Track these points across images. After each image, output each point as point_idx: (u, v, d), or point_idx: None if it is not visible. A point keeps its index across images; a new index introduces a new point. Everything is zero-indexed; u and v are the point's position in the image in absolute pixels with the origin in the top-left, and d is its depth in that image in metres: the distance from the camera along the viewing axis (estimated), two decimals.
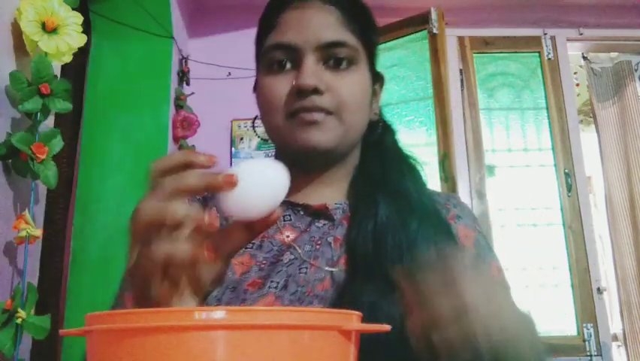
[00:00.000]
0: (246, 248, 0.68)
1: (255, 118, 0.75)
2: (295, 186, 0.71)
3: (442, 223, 0.69)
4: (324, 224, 0.70)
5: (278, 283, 0.64)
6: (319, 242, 0.68)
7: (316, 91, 0.65)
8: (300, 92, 0.66)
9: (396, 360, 0.49)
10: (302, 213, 0.71)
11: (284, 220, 0.71)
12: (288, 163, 0.71)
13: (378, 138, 0.76)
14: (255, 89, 0.76)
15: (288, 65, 0.68)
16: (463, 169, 2.57)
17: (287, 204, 0.72)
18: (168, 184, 0.43)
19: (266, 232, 0.68)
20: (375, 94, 0.76)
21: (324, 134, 0.66)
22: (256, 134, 0.77)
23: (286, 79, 0.68)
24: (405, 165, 0.75)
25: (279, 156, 0.75)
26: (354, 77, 0.69)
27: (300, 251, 0.67)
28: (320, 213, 0.70)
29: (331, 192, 0.73)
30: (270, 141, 0.74)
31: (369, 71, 0.73)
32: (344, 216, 0.70)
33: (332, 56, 0.68)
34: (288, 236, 0.69)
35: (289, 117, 0.67)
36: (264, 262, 0.66)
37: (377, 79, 0.77)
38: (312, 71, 0.66)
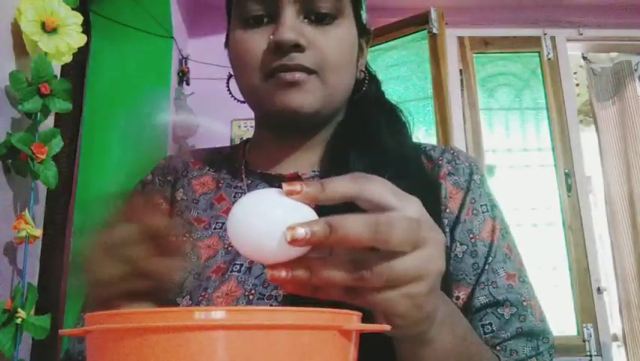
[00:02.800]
0: (214, 229, 0.63)
1: (230, 77, 0.67)
2: (271, 154, 0.67)
3: (423, 177, 0.62)
4: None
5: (241, 265, 0.58)
6: None
7: (297, 47, 0.58)
8: (278, 49, 0.58)
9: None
10: (276, 185, 0.66)
11: None
12: (265, 127, 0.67)
13: (363, 94, 0.69)
14: (227, 44, 0.67)
15: (265, 19, 0.60)
16: None
17: (260, 175, 0.67)
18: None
19: None
20: (361, 49, 0.68)
21: (305, 97, 0.59)
22: (231, 95, 0.68)
23: (263, 33, 0.60)
24: (384, 116, 0.67)
25: (256, 121, 0.69)
26: (339, 31, 0.61)
27: None
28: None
29: (310, 159, 0.66)
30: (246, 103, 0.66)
31: (355, 24, 0.65)
32: None
33: (314, 10, 0.60)
34: None
35: (267, 77, 0.60)
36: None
37: (363, 32, 0.68)
38: (292, 25, 0.58)
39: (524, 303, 0.59)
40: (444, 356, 0.43)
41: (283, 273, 0.34)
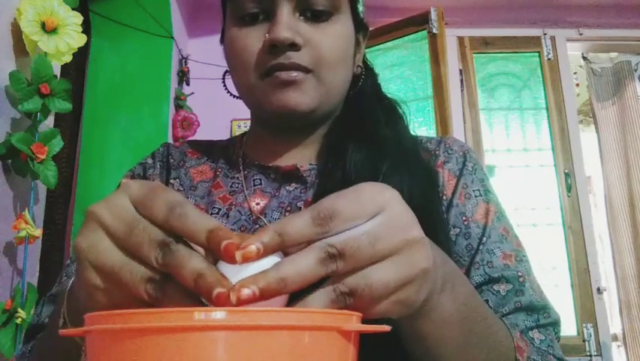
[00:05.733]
0: (211, 214, 0.61)
1: (226, 73, 0.67)
2: (269, 148, 0.67)
3: (421, 167, 0.62)
4: (295, 187, 0.64)
5: None
6: (288, 208, 0.62)
7: (293, 46, 0.58)
8: (274, 48, 0.58)
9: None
10: (272, 176, 0.65)
11: (254, 185, 0.65)
12: (262, 124, 0.67)
13: (360, 87, 0.69)
14: (222, 39, 0.67)
15: (261, 16, 0.60)
16: None
17: (257, 167, 0.66)
18: (156, 252, 0.32)
19: (234, 199, 0.64)
20: (358, 45, 0.67)
21: (302, 95, 0.59)
22: (227, 91, 0.68)
23: (258, 32, 0.59)
24: (381, 109, 0.67)
25: (252, 117, 0.70)
26: (335, 28, 0.61)
27: (266, 222, 0.60)
28: (291, 175, 0.64)
29: (308, 154, 0.66)
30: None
31: (351, 19, 0.64)
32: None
33: (310, 7, 0.60)
34: (257, 203, 0.63)
35: (263, 76, 0.59)
36: None
37: (360, 27, 0.67)
38: (288, 23, 0.58)
39: (520, 279, 0.58)
40: (445, 323, 0.41)
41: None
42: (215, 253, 0.32)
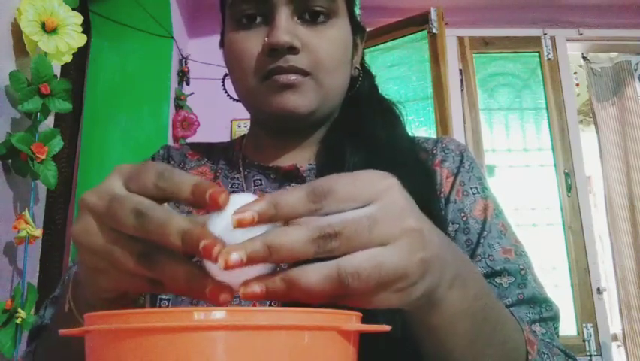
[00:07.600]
0: None
1: (225, 76, 0.68)
2: (268, 150, 0.68)
3: (419, 167, 0.63)
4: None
5: None
6: None
7: (292, 49, 0.59)
8: (273, 51, 0.59)
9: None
10: (273, 176, 0.66)
11: (254, 186, 0.66)
12: (261, 126, 0.68)
13: (358, 89, 0.70)
14: (222, 44, 0.68)
15: (259, 19, 0.61)
16: None
17: (257, 167, 0.67)
18: (131, 219, 0.33)
19: None
20: (355, 47, 0.68)
21: (301, 98, 0.60)
22: (227, 94, 0.69)
23: (257, 35, 0.60)
24: (378, 109, 0.68)
25: (252, 119, 0.71)
26: (332, 31, 0.62)
27: None
28: (291, 175, 0.65)
29: (307, 156, 0.67)
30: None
31: (349, 23, 0.65)
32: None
33: (308, 9, 0.60)
34: None
35: (262, 79, 0.60)
36: None
37: (357, 29, 0.68)
38: (286, 27, 0.59)
39: (522, 272, 0.59)
40: (455, 317, 0.40)
41: (257, 288, 0.32)
42: (201, 203, 0.33)
